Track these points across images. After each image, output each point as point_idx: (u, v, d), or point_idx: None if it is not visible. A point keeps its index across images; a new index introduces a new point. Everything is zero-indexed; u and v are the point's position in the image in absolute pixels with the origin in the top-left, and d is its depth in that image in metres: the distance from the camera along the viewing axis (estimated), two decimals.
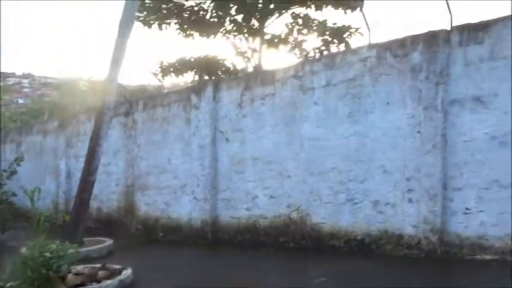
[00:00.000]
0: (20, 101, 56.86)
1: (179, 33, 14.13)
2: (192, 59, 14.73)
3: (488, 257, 6.41)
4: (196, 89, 9.89)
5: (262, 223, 8.85)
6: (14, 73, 76.63)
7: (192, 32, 14.11)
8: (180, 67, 14.90)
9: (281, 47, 14.34)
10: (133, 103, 11.53)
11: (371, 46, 7.49)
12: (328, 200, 7.97)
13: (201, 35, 14.05)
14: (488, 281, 5.57)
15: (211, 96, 9.52)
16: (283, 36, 14.12)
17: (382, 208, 7.37)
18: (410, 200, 7.01)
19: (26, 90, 68.13)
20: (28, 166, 15.27)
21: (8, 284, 5.49)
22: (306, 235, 8.24)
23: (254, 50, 14.60)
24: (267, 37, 14.14)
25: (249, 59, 14.74)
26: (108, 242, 9.56)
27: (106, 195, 12.28)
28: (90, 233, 11.05)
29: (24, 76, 75.66)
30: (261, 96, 8.83)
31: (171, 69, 14.90)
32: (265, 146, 8.79)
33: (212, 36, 14.10)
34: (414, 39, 6.98)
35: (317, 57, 12.58)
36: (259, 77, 8.95)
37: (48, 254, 5.63)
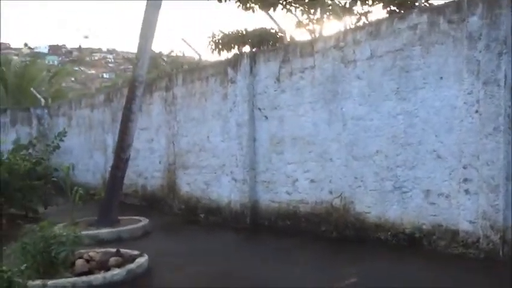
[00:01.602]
0: (105, 75, 59.93)
1: (238, 6, 13.48)
2: (245, 32, 14.12)
3: None
4: (233, 61, 9.34)
5: (303, 209, 8.30)
6: (100, 49, 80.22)
7: (253, 5, 13.36)
8: (233, 40, 14.34)
9: (344, 18, 13.27)
10: (173, 77, 11.18)
11: (421, 10, 6.54)
12: (373, 187, 7.24)
13: (261, 7, 13.27)
14: None
15: (247, 70, 8.95)
16: (346, 7, 12.99)
17: (435, 199, 6.55)
18: (467, 191, 6.16)
19: (110, 65, 71.18)
20: (78, 140, 15.60)
21: (16, 269, 5.35)
22: (349, 225, 7.59)
23: (315, 22, 13.69)
24: (329, 8, 13.13)
25: (310, 31, 13.86)
26: (144, 222, 9.41)
27: (150, 173, 12.19)
28: (134, 211, 11.06)
29: (109, 51, 78.97)
30: (300, 69, 8.14)
31: (223, 42, 14.38)
32: (305, 125, 8.15)
33: (272, 8, 13.30)
34: (472, 1, 5.95)
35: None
36: (298, 48, 8.21)
37: (50, 240, 5.44)
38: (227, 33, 14.12)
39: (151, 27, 8.68)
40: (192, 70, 10.75)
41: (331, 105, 7.72)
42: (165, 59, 22.36)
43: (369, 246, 7.09)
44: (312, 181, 8.12)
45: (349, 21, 13.03)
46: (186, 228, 9.85)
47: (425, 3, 11.34)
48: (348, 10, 13.06)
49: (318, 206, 8.05)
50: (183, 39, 10.47)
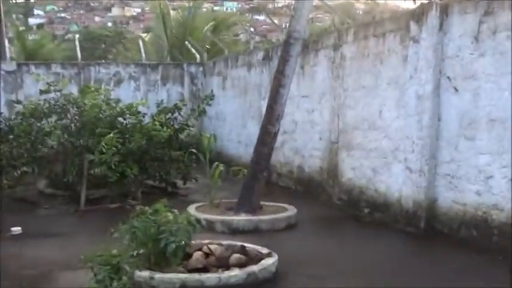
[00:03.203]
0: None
1: None
2: None
3: None
4: (417, 14, 8.66)
5: (497, 217, 7.49)
6: None
7: None
8: None
9: None
10: (343, 32, 10.85)
11: None
12: None
13: None
14: None
15: (436, 25, 8.22)
16: None
17: None
18: None
19: None
20: (232, 105, 16.19)
21: (128, 254, 5.64)
22: None
23: None
24: None
25: None
26: (290, 211, 9.43)
27: (309, 151, 12.15)
28: (285, 196, 11.23)
29: None
30: (508, 25, 7.22)
31: None
32: (509, 102, 7.26)
33: None
34: None
35: None
36: None
37: (162, 228, 5.61)
38: None
39: None
40: (366, 24, 10.29)
41: None
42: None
43: None
44: None
45: None
46: (343, 224, 9.62)
47: None
48: None
49: None
50: None
